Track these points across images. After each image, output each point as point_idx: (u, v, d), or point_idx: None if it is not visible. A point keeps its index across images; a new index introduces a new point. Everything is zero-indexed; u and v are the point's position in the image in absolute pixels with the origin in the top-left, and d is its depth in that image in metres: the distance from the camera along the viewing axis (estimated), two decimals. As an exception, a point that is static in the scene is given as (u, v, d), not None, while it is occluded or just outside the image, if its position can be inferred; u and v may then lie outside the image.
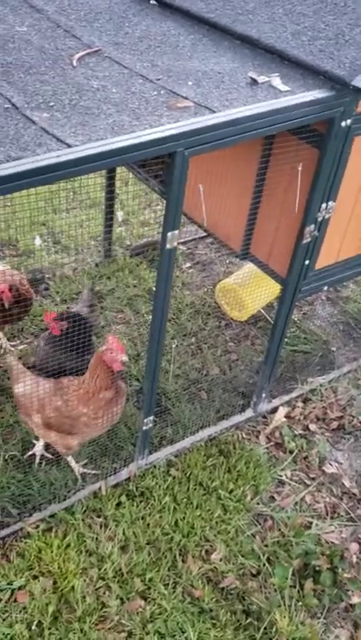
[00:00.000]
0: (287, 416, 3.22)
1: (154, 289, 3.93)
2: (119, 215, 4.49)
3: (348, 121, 2.18)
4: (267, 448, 3.04)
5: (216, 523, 2.61)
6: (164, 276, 2.13)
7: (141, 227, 4.52)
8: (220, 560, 2.49)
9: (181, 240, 4.26)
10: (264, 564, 2.50)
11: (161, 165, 3.16)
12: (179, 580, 2.40)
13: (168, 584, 2.38)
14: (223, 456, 2.88)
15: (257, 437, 3.09)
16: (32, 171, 1.57)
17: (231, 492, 2.73)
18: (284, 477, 2.92)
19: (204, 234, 4.35)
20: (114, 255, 4.09)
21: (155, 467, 2.76)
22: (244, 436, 3.06)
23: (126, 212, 4.60)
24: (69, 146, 1.70)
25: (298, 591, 2.43)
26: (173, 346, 3.44)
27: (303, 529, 2.68)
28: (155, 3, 2.77)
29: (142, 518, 2.57)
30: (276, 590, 2.43)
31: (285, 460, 2.96)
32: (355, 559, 2.60)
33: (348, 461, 3.06)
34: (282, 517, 2.69)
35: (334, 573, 2.50)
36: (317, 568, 2.48)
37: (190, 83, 2.12)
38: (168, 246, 2.04)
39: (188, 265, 4.24)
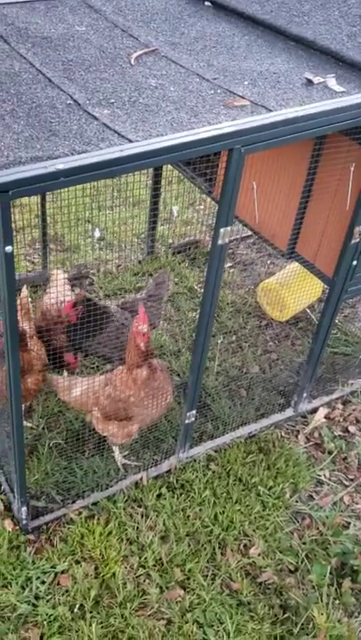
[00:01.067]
0: (327, 417, 3.23)
1: (195, 287, 3.99)
2: (174, 210, 4.55)
3: None
4: (306, 447, 3.05)
5: (255, 518, 2.63)
6: (214, 272, 2.17)
7: (184, 225, 4.57)
8: (259, 555, 2.52)
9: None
10: (302, 561, 2.52)
11: (208, 164, 3.22)
12: (217, 572, 2.43)
13: (207, 575, 2.42)
14: (263, 453, 2.90)
15: (296, 437, 3.10)
16: (97, 164, 1.63)
17: (270, 488, 2.75)
18: (323, 477, 2.93)
19: (246, 234, 4.39)
20: (156, 253, 4.15)
21: (195, 460, 2.80)
22: (283, 434, 3.08)
23: (169, 210, 4.65)
24: (131, 141, 1.75)
25: (335, 589, 2.44)
26: (219, 341, 3.48)
27: (341, 529, 2.69)
28: (209, 4, 2.81)
29: (182, 510, 2.61)
30: (314, 587, 2.44)
31: (325, 461, 2.97)
32: (393, 561, 2.60)
33: (388, 464, 3.05)
34: (320, 516, 2.71)
35: (372, 573, 2.51)
36: (355, 567, 2.49)
37: (246, 82, 2.16)
38: (220, 242, 2.08)
39: (230, 264, 4.27)
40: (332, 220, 2.52)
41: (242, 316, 3.76)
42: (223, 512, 2.62)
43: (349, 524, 2.74)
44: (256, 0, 2.64)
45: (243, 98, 2.03)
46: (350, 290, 2.69)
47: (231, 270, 4.20)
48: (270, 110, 1.95)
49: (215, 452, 2.87)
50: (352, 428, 3.20)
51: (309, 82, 2.14)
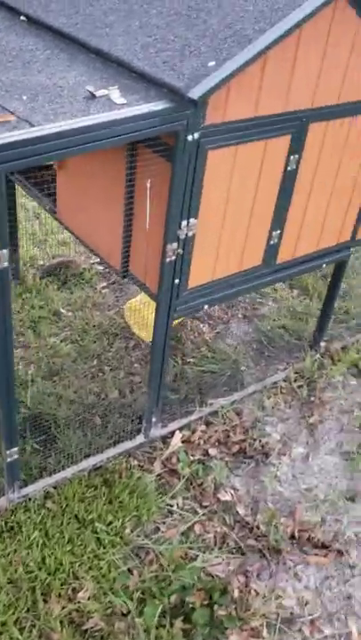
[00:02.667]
0: (186, 440, 3.10)
1: (61, 310, 3.83)
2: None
3: (196, 134, 2.09)
4: (160, 475, 2.90)
5: (88, 558, 2.46)
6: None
7: (60, 246, 4.41)
8: (88, 599, 2.35)
9: (98, 260, 4.15)
10: (140, 602, 2.36)
11: (44, 180, 3.07)
12: (36, 623, 2.25)
13: (24, 627, 2.23)
14: (107, 486, 2.74)
15: (152, 464, 2.96)
16: None
17: (110, 524, 2.59)
18: (174, 506, 2.79)
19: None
20: (23, 276, 3.97)
21: (30, 500, 2.62)
22: (136, 463, 2.93)
23: (44, 231, 4.49)
24: None
25: (167, 631, 2.29)
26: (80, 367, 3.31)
27: (186, 562, 2.54)
28: (24, 19, 2.68)
29: (7, 556, 2.42)
30: (145, 631, 2.28)
31: (178, 488, 2.83)
32: (237, 594, 2.46)
33: (246, 487, 2.93)
34: (163, 550, 2.56)
35: (211, 610, 2.37)
36: (191, 605, 2.35)
37: (25, 97, 2.02)
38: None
39: (104, 284, 4.13)
40: (153, 237, 2.40)
41: (108, 339, 3.62)
42: (52, 554, 2.44)
43: (197, 556, 2.60)
44: (64, 13, 2.52)
45: (12, 114, 1.89)
46: (180, 309, 2.57)
47: (104, 291, 4.06)
48: (33, 125, 1.82)
49: (54, 488, 2.69)
50: (213, 451, 3.08)
51: (92, 95, 2.01)
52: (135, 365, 3.50)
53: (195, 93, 1.92)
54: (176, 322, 3.74)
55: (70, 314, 3.76)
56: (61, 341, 3.52)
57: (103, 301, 3.96)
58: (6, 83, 2.13)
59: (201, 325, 3.90)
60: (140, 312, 3.55)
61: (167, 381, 3.41)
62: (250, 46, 1.97)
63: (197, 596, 2.38)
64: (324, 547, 2.69)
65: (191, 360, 3.59)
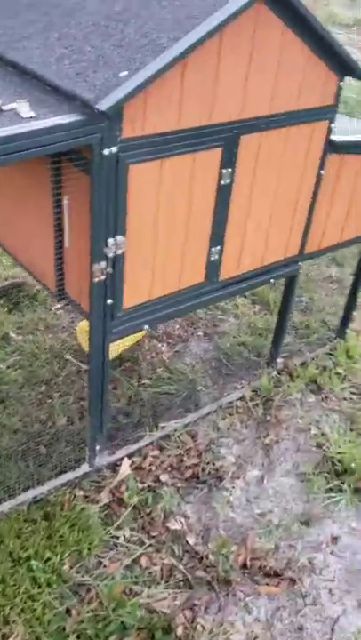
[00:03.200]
0: (138, 467, 2.97)
1: (11, 334, 3.71)
2: None
3: (114, 148, 1.99)
4: (108, 505, 2.77)
5: (21, 600, 2.32)
6: None
7: (14, 267, 4.29)
8: (20, 644, 2.20)
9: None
10: (75, 645, 2.22)
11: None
12: None
13: None
14: (46, 520, 2.60)
15: (99, 494, 2.82)
16: None
17: (47, 560, 2.45)
18: (120, 538, 2.65)
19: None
20: (-28, 300, 3.85)
21: None
22: (82, 494, 2.79)
23: (-2, 253, 4.37)
24: None
25: None
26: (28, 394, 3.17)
27: (129, 598, 2.40)
28: None
29: None
30: None
31: (125, 518, 2.70)
32: (181, 631, 2.32)
33: (197, 515, 2.80)
34: (103, 586, 2.42)
35: (153, 650, 2.23)
36: (131, 646, 2.21)
37: None
38: None
39: (59, 306, 4.01)
40: (83, 255, 2.29)
41: (58, 362, 3.49)
42: (-17, 596, 2.30)
43: (142, 591, 2.46)
44: (-14, 26, 2.43)
45: None
46: (116, 331, 2.45)
47: (59, 312, 3.94)
48: None
49: (-10, 524, 2.55)
50: (164, 477, 2.95)
51: None
52: (87, 390, 3.37)
53: (103, 105, 1.83)
54: (133, 342, 3.64)
55: (20, 337, 3.64)
56: (8, 367, 3.39)
57: (57, 323, 3.84)
58: None
59: (159, 344, 3.78)
60: (91, 333, 3.42)
61: (120, 405, 3.29)
62: (163, 55, 1.88)
63: (138, 635, 2.24)
64: (276, 575, 2.56)
65: (147, 381, 3.47)
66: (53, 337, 3.70)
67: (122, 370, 3.54)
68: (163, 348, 3.76)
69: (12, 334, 3.66)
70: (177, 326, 3.94)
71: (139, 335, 3.59)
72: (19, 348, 3.55)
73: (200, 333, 3.92)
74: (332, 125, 2.62)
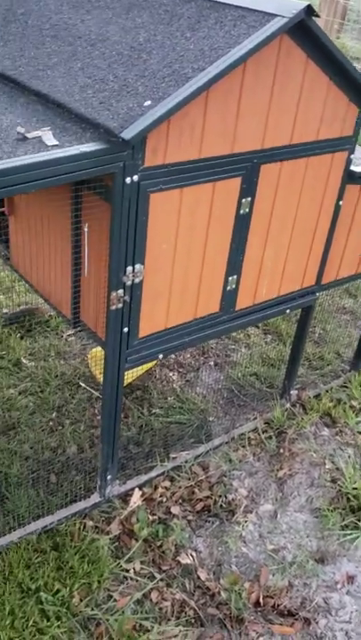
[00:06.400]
0: (148, 498, 2.91)
1: (23, 360, 3.68)
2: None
3: (135, 177, 1.99)
4: (117, 537, 2.71)
5: (30, 633, 2.25)
6: None
7: (27, 293, 4.29)
8: None
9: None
10: None
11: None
12: None
13: None
14: (56, 550, 2.54)
15: (109, 525, 2.76)
16: None
17: (56, 593, 2.39)
18: (130, 571, 2.59)
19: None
20: (-16, 325, 3.84)
21: (-29, 567, 2.42)
22: (92, 524, 2.74)
23: (12, 277, 4.38)
24: None
25: None
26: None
27: (139, 634, 2.33)
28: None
29: None
30: None
31: (133, 551, 2.64)
32: (192, 670, 2.25)
33: (209, 549, 2.73)
34: (113, 621, 2.35)
35: None
36: None
37: None
38: None
39: (70, 332, 3.99)
40: (100, 283, 2.28)
41: (69, 389, 3.46)
42: (-10, 630, 2.24)
43: (153, 627, 2.39)
44: (10, 56, 2.46)
45: None
46: (131, 359, 2.43)
47: (70, 339, 3.92)
48: None
49: (-1, 553, 2.50)
50: (175, 509, 2.89)
51: (24, 137, 1.92)
52: (98, 417, 3.33)
53: (127, 134, 1.83)
54: (143, 370, 3.61)
55: (32, 364, 3.62)
56: (20, 393, 3.36)
57: (69, 350, 3.81)
58: None
59: (170, 373, 3.75)
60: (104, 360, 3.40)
61: (131, 434, 3.25)
62: (186, 85, 1.89)
63: (147, 675, 2.16)
64: (290, 614, 2.48)
65: (157, 411, 3.43)
66: (65, 364, 3.67)
67: (133, 398, 3.50)
68: (174, 377, 3.73)
69: (24, 360, 3.64)
70: (188, 355, 3.91)
71: (150, 364, 3.56)
72: (30, 374, 3.53)
73: (211, 363, 3.89)
74: (352, 156, 2.62)
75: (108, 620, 2.36)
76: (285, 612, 2.49)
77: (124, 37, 2.29)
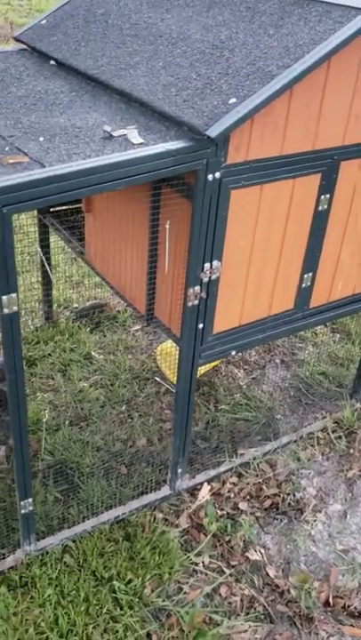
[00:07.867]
0: (216, 493, 2.93)
1: (92, 353, 3.76)
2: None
3: (218, 174, 2.01)
4: (186, 530, 2.74)
5: (104, 620, 2.31)
6: (9, 344, 1.93)
7: (95, 288, 4.38)
8: (101, 666, 2.19)
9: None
10: (154, 671, 2.19)
11: (75, 222, 3.05)
12: None
13: None
14: (128, 540, 2.60)
15: (178, 518, 2.80)
16: None
17: (129, 582, 2.44)
18: (200, 565, 2.62)
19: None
20: (56, 318, 3.94)
21: (47, 553, 2.50)
22: (162, 516, 2.78)
23: (81, 273, 4.47)
24: None
25: None
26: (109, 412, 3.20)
27: (209, 627, 2.36)
28: (54, 63, 2.70)
29: (20, 613, 2.29)
30: None
31: (204, 544, 2.66)
32: (263, 666, 2.26)
33: (277, 547, 2.73)
34: (184, 613, 2.38)
35: None
36: None
37: (42, 139, 1.99)
38: (6, 311, 1.85)
39: (137, 327, 4.05)
40: (176, 280, 2.31)
41: (138, 383, 3.52)
42: (66, 614, 2.30)
43: (222, 621, 2.41)
44: (92, 56, 2.52)
45: (26, 155, 1.86)
46: (205, 355, 2.45)
47: (138, 334, 3.98)
48: (44, 166, 1.77)
49: (73, 541, 2.57)
50: (243, 505, 2.90)
51: (110, 135, 1.97)
52: (166, 412, 3.38)
53: (213, 131, 1.85)
54: (209, 367, 3.63)
55: (102, 357, 3.69)
56: (91, 386, 3.43)
57: (136, 344, 3.87)
58: (26, 124, 2.11)
59: (236, 370, 3.76)
60: (172, 356, 3.43)
61: (198, 429, 3.27)
62: (272, 82, 1.89)
63: (219, 667, 2.19)
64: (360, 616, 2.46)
65: (224, 407, 3.44)
66: (132, 358, 3.73)
67: (199, 394, 3.52)
68: (239, 374, 3.74)
69: (93, 353, 3.72)
70: (253, 353, 3.91)
71: (216, 361, 3.57)
72: (100, 367, 3.60)
73: (277, 361, 3.87)
74: None
75: (178, 612, 2.39)
76: (356, 614, 2.47)
77: (206, 35, 2.30)
